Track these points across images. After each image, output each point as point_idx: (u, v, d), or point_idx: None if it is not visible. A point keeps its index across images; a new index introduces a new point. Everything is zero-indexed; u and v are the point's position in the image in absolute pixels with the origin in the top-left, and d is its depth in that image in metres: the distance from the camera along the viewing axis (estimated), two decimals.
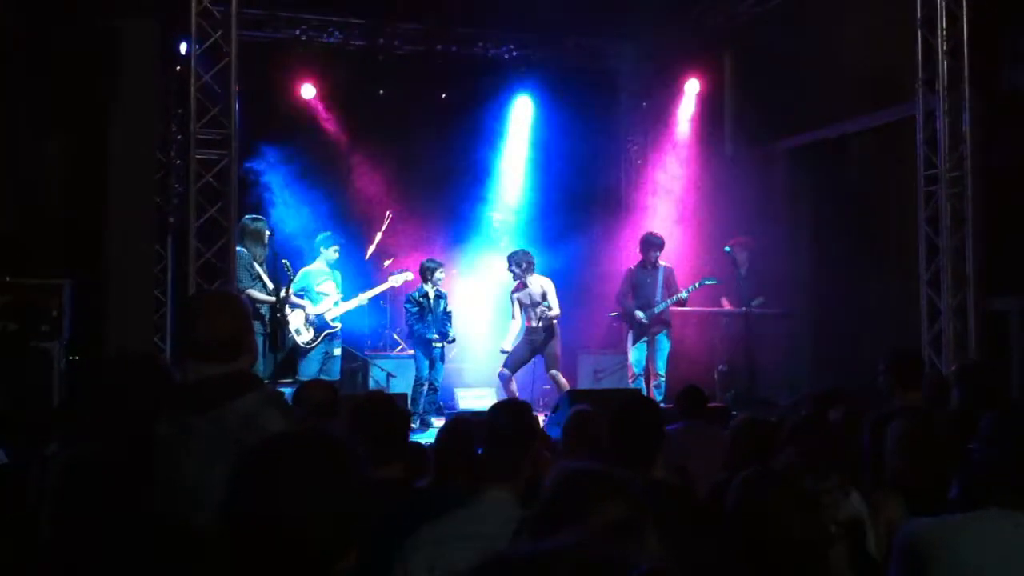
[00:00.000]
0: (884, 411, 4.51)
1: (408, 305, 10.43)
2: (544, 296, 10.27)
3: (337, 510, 1.79)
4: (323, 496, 1.79)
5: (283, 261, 9.60)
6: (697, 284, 10.58)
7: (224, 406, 2.69)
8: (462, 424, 3.79)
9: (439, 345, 10.37)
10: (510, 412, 3.44)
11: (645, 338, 10.60)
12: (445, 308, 10.46)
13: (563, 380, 10.38)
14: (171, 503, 2.52)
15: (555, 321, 10.29)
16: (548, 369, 10.44)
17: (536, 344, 10.35)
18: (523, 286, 10.39)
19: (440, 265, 10.49)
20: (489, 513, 2.95)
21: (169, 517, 2.46)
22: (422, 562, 2.86)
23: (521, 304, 10.41)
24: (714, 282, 10.72)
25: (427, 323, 10.24)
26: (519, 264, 10.33)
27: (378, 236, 11.68)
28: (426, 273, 10.37)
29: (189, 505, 2.42)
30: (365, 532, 1.86)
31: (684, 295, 10.49)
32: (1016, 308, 8.66)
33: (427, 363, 10.26)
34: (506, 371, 10.33)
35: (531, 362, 10.48)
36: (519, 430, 3.30)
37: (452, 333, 10.48)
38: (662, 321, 10.63)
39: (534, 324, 10.30)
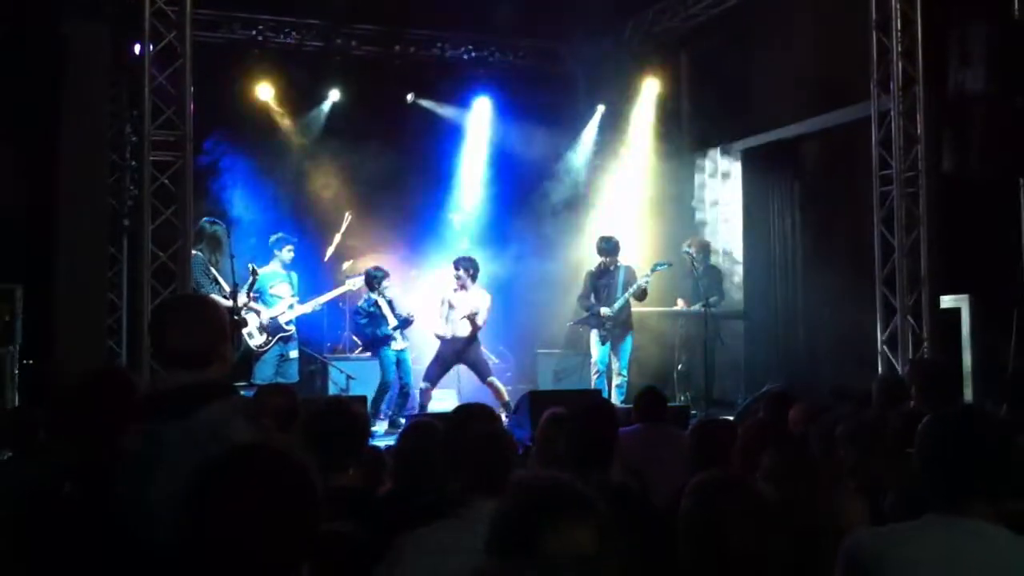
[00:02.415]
0: (837, 411, 4.55)
1: (357, 317, 10.39)
2: (477, 309, 10.17)
3: (290, 527, 1.80)
4: (276, 514, 1.80)
5: (250, 265, 9.49)
6: (651, 271, 10.61)
7: (192, 415, 2.65)
8: (422, 427, 3.76)
9: (404, 346, 10.33)
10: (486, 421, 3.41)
11: (609, 340, 10.62)
12: (396, 311, 10.40)
13: (500, 386, 10.29)
14: (137, 518, 2.48)
15: (477, 330, 10.21)
16: (483, 379, 10.32)
17: (457, 352, 10.23)
18: (461, 290, 10.28)
19: (387, 274, 10.43)
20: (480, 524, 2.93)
21: (134, 532, 2.41)
22: (422, 570, 2.82)
23: (451, 305, 10.23)
24: (667, 266, 10.74)
25: (382, 324, 10.19)
26: (467, 270, 10.26)
27: (337, 238, 11.62)
28: (372, 282, 10.31)
29: (155, 520, 2.38)
30: (318, 545, 1.86)
31: (644, 284, 10.51)
32: (969, 306, 8.78)
33: (393, 365, 10.22)
34: (426, 384, 10.20)
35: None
36: (501, 441, 3.26)
37: (407, 314, 10.35)
38: (625, 323, 10.66)
39: (458, 333, 10.18)
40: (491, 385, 10.27)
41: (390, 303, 10.37)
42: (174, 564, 1.92)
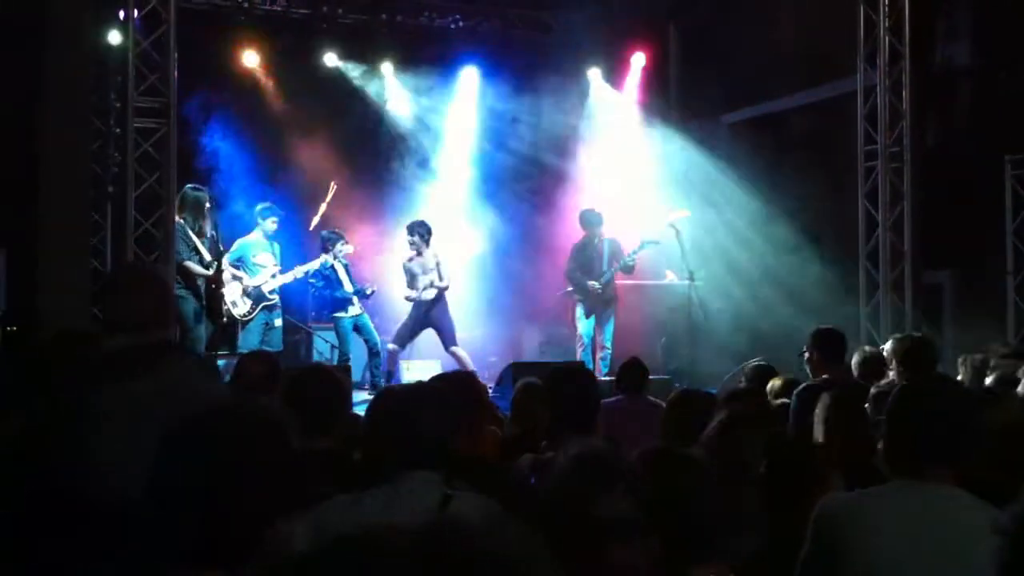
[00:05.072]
0: (813, 383, 4.58)
1: (314, 280, 10.31)
2: (437, 267, 10.30)
3: (264, 482, 1.81)
4: (250, 469, 1.81)
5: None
6: (638, 247, 10.62)
7: (148, 374, 2.68)
8: (389, 396, 3.72)
9: (360, 311, 10.32)
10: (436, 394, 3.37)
11: (594, 313, 10.64)
12: (351, 277, 10.41)
13: (464, 355, 10.31)
14: (96, 476, 2.50)
15: (444, 292, 10.32)
16: (447, 347, 10.39)
17: (425, 318, 10.34)
18: (417, 256, 10.36)
19: (342, 237, 10.38)
20: (414, 493, 2.93)
21: (92, 490, 2.43)
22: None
23: (412, 274, 10.35)
24: (656, 244, 10.75)
25: (338, 288, 10.22)
26: (420, 234, 10.33)
27: (322, 207, 11.57)
28: (327, 244, 10.23)
29: (115, 477, 2.40)
30: (294, 501, 1.88)
31: (631, 261, 10.53)
32: (950, 281, 8.84)
33: (351, 334, 10.23)
34: (394, 346, 10.34)
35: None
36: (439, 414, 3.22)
37: (367, 288, 10.38)
38: (610, 297, 10.67)
39: (422, 296, 10.29)
40: (454, 354, 10.31)
41: (346, 267, 10.38)
42: (141, 517, 1.94)
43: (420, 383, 3.73)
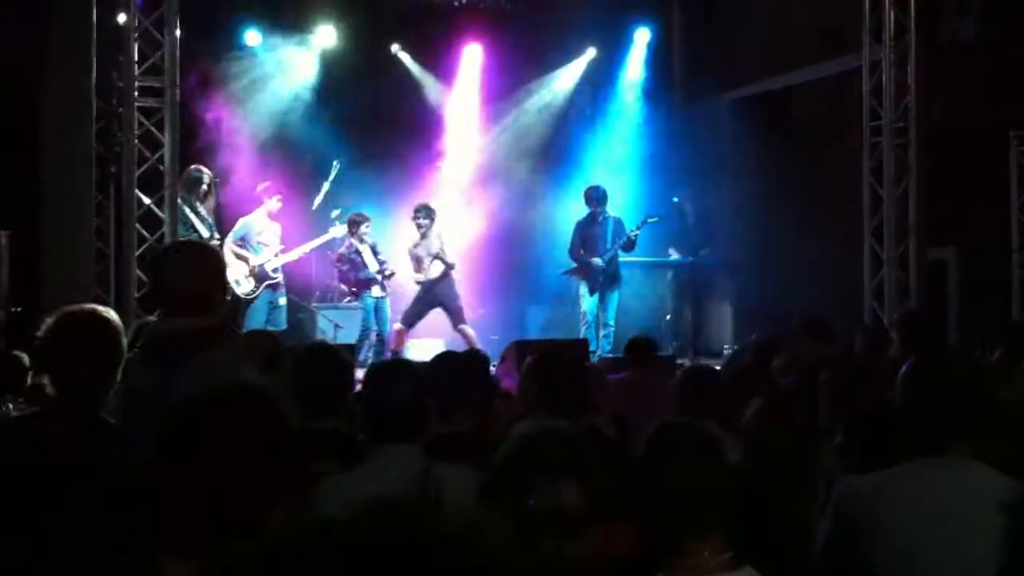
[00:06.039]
0: (815, 359, 4.57)
1: (339, 264, 10.58)
2: (441, 249, 10.39)
3: (266, 462, 1.82)
4: (252, 449, 1.82)
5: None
6: (640, 223, 10.60)
7: (199, 359, 2.67)
8: (368, 372, 3.70)
9: (383, 295, 10.43)
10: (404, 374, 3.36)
11: (598, 291, 10.63)
12: (379, 257, 10.58)
13: (471, 333, 10.42)
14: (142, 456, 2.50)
15: (450, 271, 10.43)
16: (455, 326, 10.51)
17: (432, 298, 10.46)
18: (422, 238, 10.46)
19: (367, 219, 10.57)
20: (391, 467, 2.94)
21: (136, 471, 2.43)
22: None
23: (418, 259, 10.47)
24: (657, 219, 10.74)
25: (363, 269, 10.34)
26: (428, 216, 10.42)
27: (325, 186, 11.55)
28: (352, 227, 10.48)
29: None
30: (298, 482, 1.89)
31: (633, 235, 10.52)
32: (955, 257, 8.81)
33: (372, 312, 10.33)
34: (400, 325, 10.46)
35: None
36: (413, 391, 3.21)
37: (388, 269, 10.54)
38: (614, 274, 10.66)
39: (430, 278, 10.39)
40: (462, 332, 10.40)
41: (372, 248, 10.49)
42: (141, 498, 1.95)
43: (401, 359, 3.75)
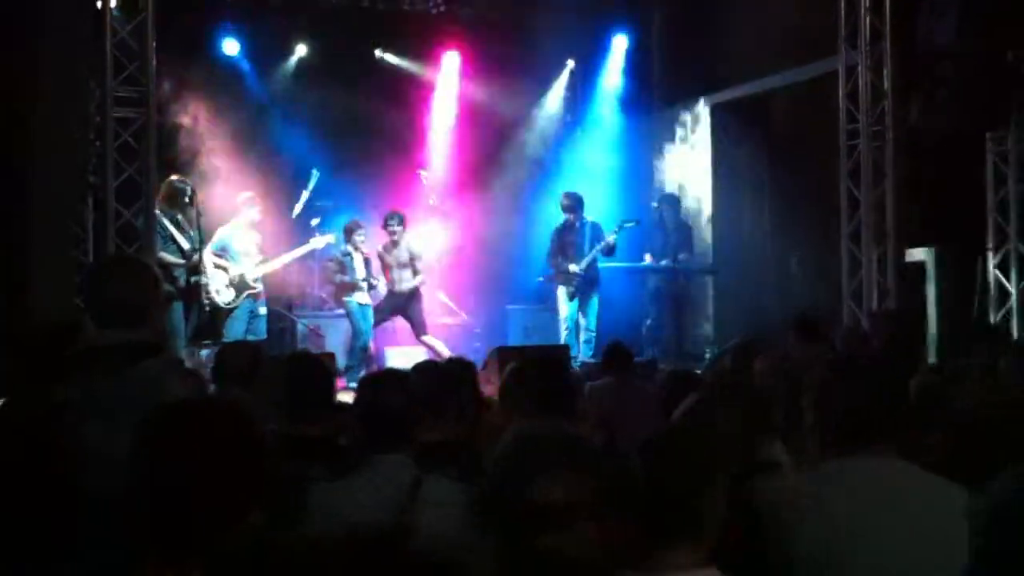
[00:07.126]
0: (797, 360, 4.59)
1: (330, 263, 10.58)
2: (411, 259, 10.44)
3: (234, 475, 1.85)
4: (219, 463, 1.84)
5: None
6: (617, 227, 10.63)
7: (127, 371, 2.69)
8: (360, 384, 3.74)
9: (367, 301, 10.46)
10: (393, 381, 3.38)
11: (577, 296, 10.64)
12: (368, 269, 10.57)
13: (435, 343, 10.43)
14: (75, 468, 2.50)
15: (419, 284, 10.53)
16: (418, 336, 10.54)
17: (396, 306, 10.54)
18: (393, 246, 10.50)
19: (360, 226, 10.58)
20: (382, 478, 2.94)
21: (73, 482, 2.43)
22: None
23: (386, 265, 10.52)
24: (634, 223, 10.78)
25: (351, 273, 10.36)
26: (400, 224, 10.50)
27: (304, 195, 11.53)
28: (347, 234, 10.52)
29: (95, 470, 2.39)
30: (267, 490, 1.89)
31: (612, 240, 10.54)
32: (932, 260, 8.86)
33: (358, 314, 10.37)
34: None
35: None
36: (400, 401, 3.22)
37: (373, 280, 10.55)
38: (593, 279, 10.68)
39: (397, 288, 10.45)
40: (425, 343, 10.43)
41: (366, 262, 10.51)
42: (106, 511, 1.98)
43: (390, 369, 3.75)
